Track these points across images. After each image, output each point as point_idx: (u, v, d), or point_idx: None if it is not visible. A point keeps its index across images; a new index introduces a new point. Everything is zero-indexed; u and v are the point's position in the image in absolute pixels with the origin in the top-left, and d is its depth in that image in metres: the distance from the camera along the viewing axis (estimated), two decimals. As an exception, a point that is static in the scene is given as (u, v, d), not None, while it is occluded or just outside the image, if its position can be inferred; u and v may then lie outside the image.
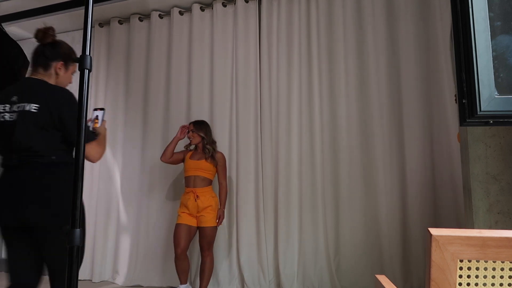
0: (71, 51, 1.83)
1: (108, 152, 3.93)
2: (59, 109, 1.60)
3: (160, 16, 3.97)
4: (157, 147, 3.75)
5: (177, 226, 3.01)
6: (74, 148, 1.60)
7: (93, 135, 1.74)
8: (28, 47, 4.47)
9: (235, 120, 3.57)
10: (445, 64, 3.09)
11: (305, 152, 3.36)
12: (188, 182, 3.08)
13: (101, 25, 4.18)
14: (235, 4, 3.71)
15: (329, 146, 3.33)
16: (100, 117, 1.82)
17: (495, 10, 0.95)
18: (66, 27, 4.21)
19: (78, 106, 1.14)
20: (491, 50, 0.94)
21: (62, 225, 1.52)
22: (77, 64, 1.83)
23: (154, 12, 3.95)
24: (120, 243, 3.73)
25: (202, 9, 3.82)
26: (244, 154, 3.49)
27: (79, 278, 1.15)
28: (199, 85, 3.72)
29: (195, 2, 3.82)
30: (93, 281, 3.70)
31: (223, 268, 3.41)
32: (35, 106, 1.61)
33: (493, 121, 0.95)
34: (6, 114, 1.64)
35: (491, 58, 0.94)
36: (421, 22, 3.22)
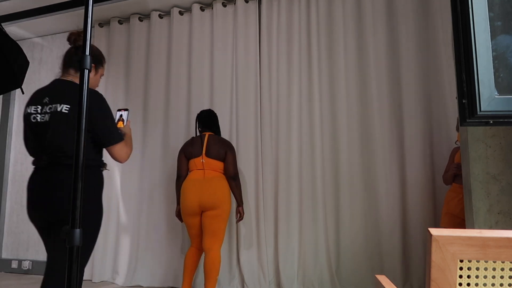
0: (101, 55, 1.86)
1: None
2: (89, 110, 1.59)
3: (160, 16, 3.97)
4: (157, 146, 3.75)
5: None
6: (101, 150, 1.72)
7: (121, 136, 1.74)
8: (28, 47, 4.50)
9: (235, 120, 3.57)
10: (445, 64, 3.10)
11: (305, 152, 3.36)
12: None
13: (101, 25, 4.18)
14: (235, 4, 3.71)
15: (329, 146, 3.33)
16: (124, 117, 1.83)
17: (495, 10, 0.95)
18: (66, 27, 4.22)
19: (79, 105, 1.14)
20: (491, 50, 0.94)
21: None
22: (104, 67, 1.88)
23: (154, 12, 3.95)
24: (120, 243, 3.73)
25: (202, 9, 3.82)
26: (244, 154, 3.48)
27: (79, 278, 1.15)
28: (199, 85, 3.72)
29: (195, 2, 3.83)
30: (93, 281, 3.70)
31: (223, 268, 3.41)
32: (67, 107, 1.60)
33: (493, 121, 0.95)
34: (38, 115, 1.64)
35: (491, 58, 0.94)
36: (421, 22, 3.22)
